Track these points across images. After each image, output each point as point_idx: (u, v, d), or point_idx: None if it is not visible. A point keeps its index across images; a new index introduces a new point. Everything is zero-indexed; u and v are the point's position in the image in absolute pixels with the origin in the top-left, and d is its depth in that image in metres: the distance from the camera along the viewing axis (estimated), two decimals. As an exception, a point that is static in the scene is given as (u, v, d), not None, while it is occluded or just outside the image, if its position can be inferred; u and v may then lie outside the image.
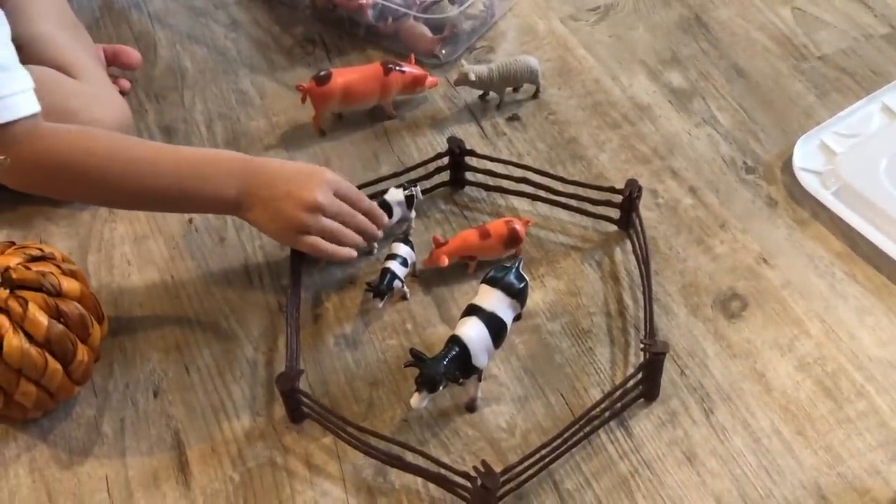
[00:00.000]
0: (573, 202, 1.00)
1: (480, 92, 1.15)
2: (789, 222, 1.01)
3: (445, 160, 1.02)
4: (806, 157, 1.06)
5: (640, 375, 0.82)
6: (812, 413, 0.85)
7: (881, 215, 0.98)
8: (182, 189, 0.88)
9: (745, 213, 1.02)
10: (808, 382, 0.87)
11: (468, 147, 1.02)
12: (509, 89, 1.14)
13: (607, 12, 1.28)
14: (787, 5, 1.28)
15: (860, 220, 0.99)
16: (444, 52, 1.20)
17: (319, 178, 0.89)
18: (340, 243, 0.91)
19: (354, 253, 0.92)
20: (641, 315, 0.91)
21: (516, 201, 1.03)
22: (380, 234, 0.95)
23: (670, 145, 1.10)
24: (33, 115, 0.84)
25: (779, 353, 0.89)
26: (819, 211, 1.01)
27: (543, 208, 1.02)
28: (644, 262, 0.92)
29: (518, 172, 1.01)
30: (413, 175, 1.02)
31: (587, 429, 0.81)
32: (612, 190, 0.97)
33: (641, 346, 0.86)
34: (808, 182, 1.03)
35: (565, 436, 0.79)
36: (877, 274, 0.96)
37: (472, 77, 1.10)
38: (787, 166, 1.06)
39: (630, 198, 0.96)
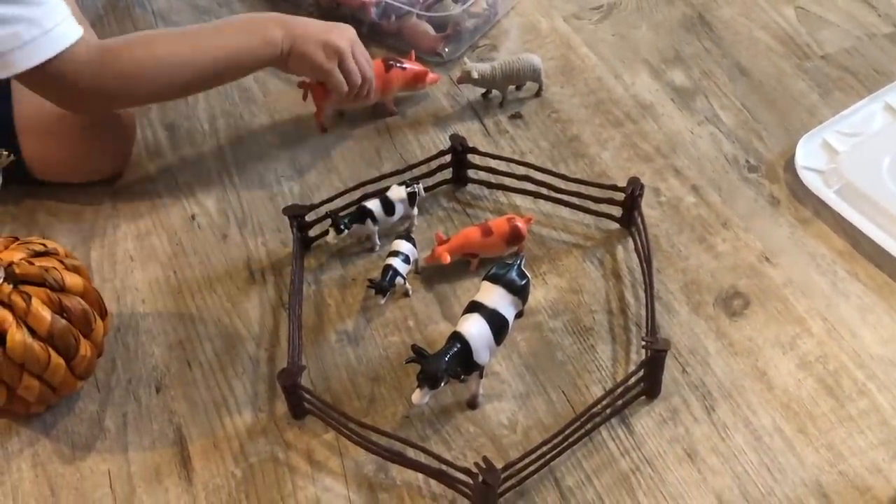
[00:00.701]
0: (575, 200, 1.00)
1: (483, 90, 1.15)
2: (791, 221, 1.01)
3: (448, 158, 1.02)
4: (808, 156, 1.06)
5: (641, 373, 0.82)
6: (813, 411, 0.85)
7: (883, 214, 0.98)
8: (237, 48, 0.97)
9: (748, 211, 1.02)
10: (810, 380, 0.87)
11: (471, 145, 1.02)
12: (512, 87, 1.15)
13: (610, 11, 1.29)
14: (791, 4, 1.28)
15: (862, 218, 0.99)
16: (446, 50, 1.20)
17: (344, 31, 1.03)
18: (353, 81, 1.04)
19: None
20: (643, 313, 0.91)
21: (518, 199, 1.04)
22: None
23: (673, 144, 1.10)
24: (80, 39, 0.86)
25: (780, 352, 0.89)
26: (821, 209, 1.01)
27: (545, 206, 1.03)
28: (646, 259, 0.92)
29: (520, 170, 1.01)
30: (416, 172, 1.02)
31: (588, 426, 0.81)
32: (615, 188, 0.97)
33: (643, 343, 0.86)
34: (811, 181, 1.03)
35: (566, 433, 0.79)
36: (879, 272, 0.96)
37: (475, 75, 1.10)
38: (790, 165, 1.06)
39: (632, 196, 0.96)
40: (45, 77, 0.85)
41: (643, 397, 0.86)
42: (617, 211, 0.99)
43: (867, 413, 0.85)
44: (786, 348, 0.90)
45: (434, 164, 1.03)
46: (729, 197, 1.04)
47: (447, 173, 1.04)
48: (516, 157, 1.04)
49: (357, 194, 0.99)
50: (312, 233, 0.98)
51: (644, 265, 0.93)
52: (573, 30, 1.26)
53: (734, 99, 1.15)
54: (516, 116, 1.14)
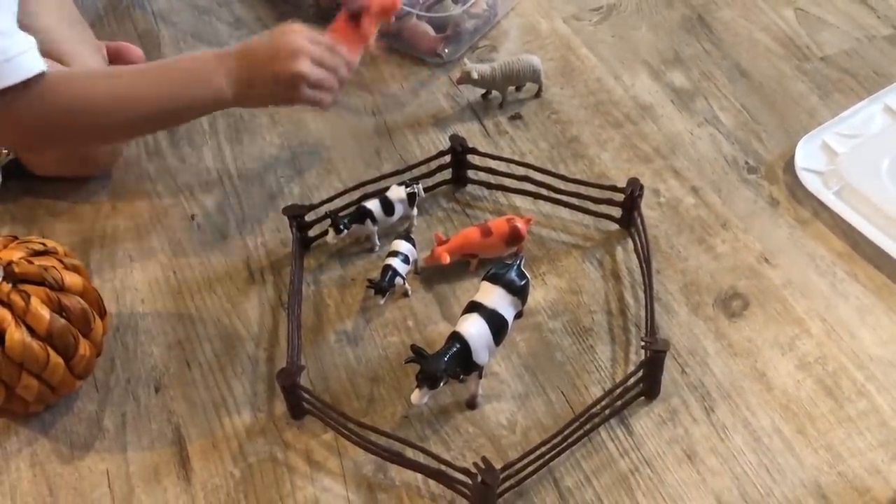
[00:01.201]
0: (575, 200, 1.00)
1: (483, 91, 1.15)
2: (791, 222, 1.01)
3: (447, 158, 1.02)
4: (808, 158, 1.06)
5: (640, 373, 0.82)
6: (812, 412, 0.85)
7: (882, 215, 0.98)
8: (174, 96, 0.89)
9: (747, 212, 1.02)
10: (809, 381, 0.87)
11: (470, 145, 1.02)
12: (512, 88, 1.15)
13: (610, 12, 1.29)
14: (790, 6, 1.29)
15: (861, 220, 0.99)
16: (446, 50, 1.20)
17: (294, 47, 0.92)
18: (329, 87, 0.95)
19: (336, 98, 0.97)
20: (642, 314, 0.91)
21: (518, 199, 1.04)
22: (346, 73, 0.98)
23: (672, 145, 1.10)
24: (41, 74, 0.82)
25: (779, 352, 0.89)
26: (820, 211, 1.01)
27: (545, 206, 1.03)
28: (645, 260, 0.92)
29: (520, 171, 1.01)
30: (415, 173, 1.02)
31: (587, 426, 0.81)
32: (614, 188, 0.97)
33: (642, 343, 0.86)
34: (810, 182, 1.03)
35: (565, 433, 0.79)
36: (878, 273, 0.96)
37: (475, 76, 1.10)
38: (789, 166, 1.06)
39: (632, 196, 0.96)
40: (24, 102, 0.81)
41: (642, 398, 0.86)
42: (616, 212, 0.99)
43: (866, 414, 0.85)
44: (785, 349, 0.90)
45: (434, 165, 1.03)
46: (728, 198, 1.04)
47: (447, 174, 1.04)
48: (516, 158, 1.04)
49: (357, 194, 0.99)
50: (312, 233, 0.98)
51: (643, 266, 0.93)
52: (573, 31, 1.26)
53: (734, 100, 1.15)
54: (516, 117, 1.14)
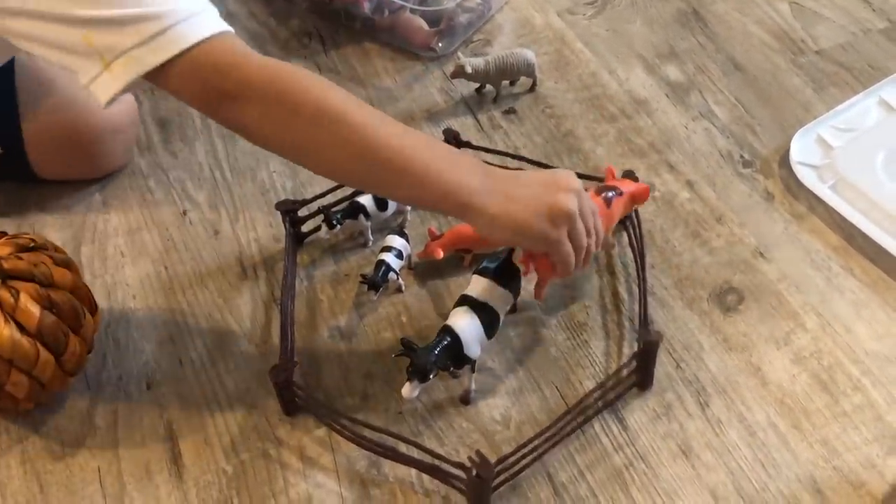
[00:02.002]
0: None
1: (477, 85, 1.14)
2: (786, 216, 1.01)
3: None
4: (803, 151, 1.05)
5: (633, 364, 0.82)
6: (808, 407, 0.85)
7: (878, 209, 0.98)
8: (427, 168, 0.75)
9: (742, 206, 1.02)
10: (804, 376, 0.87)
11: (465, 139, 1.01)
12: (506, 82, 1.14)
13: (604, 6, 1.28)
14: (785, 0, 1.28)
15: (857, 214, 0.98)
16: (440, 45, 1.20)
17: (574, 186, 0.78)
18: (579, 248, 0.79)
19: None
20: (636, 308, 0.91)
21: None
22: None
23: (667, 139, 1.10)
24: (224, 33, 0.73)
25: (775, 347, 0.89)
26: (816, 205, 1.01)
27: None
28: (639, 252, 0.92)
29: (513, 164, 1.00)
30: None
31: (581, 418, 0.81)
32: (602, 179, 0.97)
33: (636, 335, 0.86)
34: (805, 176, 1.02)
35: (559, 425, 0.79)
36: (873, 268, 0.95)
37: (469, 70, 1.09)
38: (785, 160, 1.05)
39: None
40: (202, 62, 0.72)
41: (636, 391, 0.85)
42: None
43: (861, 408, 0.84)
44: (780, 344, 0.89)
45: None
46: (723, 192, 1.03)
47: None
48: (510, 152, 1.04)
49: (350, 190, 0.98)
50: (305, 228, 0.98)
51: (637, 259, 0.92)
52: (567, 25, 1.25)
53: (728, 94, 1.15)
54: (510, 111, 1.13)
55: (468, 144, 1.01)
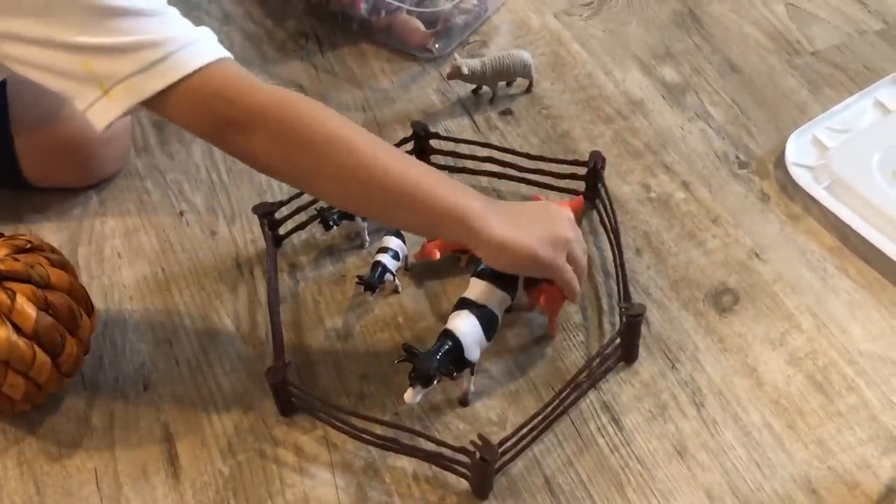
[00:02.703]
0: (539, 178, 1.01)
1: (473, 86, 1.15)
2: (781, 217, 1.01)
3: (411, 145, 1.02)
4: (798, 152, 1.06)
5: (618, 341, 0.85)
6: (803, 407, 0.85)
7: (873, 210, 0.98)
8: (431, 192, 0.76)
9: (738, 207, 1.02)
10: (800, 376, 0.87)
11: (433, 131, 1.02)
12: (502, 83, 1.14)
13: (601, 7, 1.28)
14: (781, 1, 1.28)
15: (852, 214, 0.99)
16: (437, 46, 1.20)
17: (569, 217, 0.83)
18: (580, 273, 0.83)
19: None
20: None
21: (485, 180, 1.04)
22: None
23: (663, 140, 1.10)
24: (223, 59, 0.75)
25: (770, 348, 0.89)
26: (811, 206, 1.01)
27: (511, 185, 1.03)
28: (613, 230, 0.93)
29: (483, 152, 1.02)
30: None
31: (576, 393, 0.83)
32: (577, 163, 0.98)
33: (619, 309, 0.88)
34: (801, 177, 1.03)
35: (554, 404, 0.80)
36: (868, 269, 0.96)
37: (465, 71, 1.10)
38: (780, 161, 1.05)
39: (594, 169, 0.97)
40: (203, 89, 0.73)
41: (634, 390, 0.86)
42: (580, 186, 1.00)
43: (856, 409, 0.85)
44: (775, 344, 0.90)
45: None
46: (719, 193, 1.04)
47: None
48: (479, 140, 1.04)
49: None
50: (284, 229, 0.98)
51: (611, 236, 0.94)
52: (563, 26, 1.25)
53: (724, 95, 1.15)
54: (506, 112, 1.13)
55: (436, 135, 1.02)
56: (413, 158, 0.82)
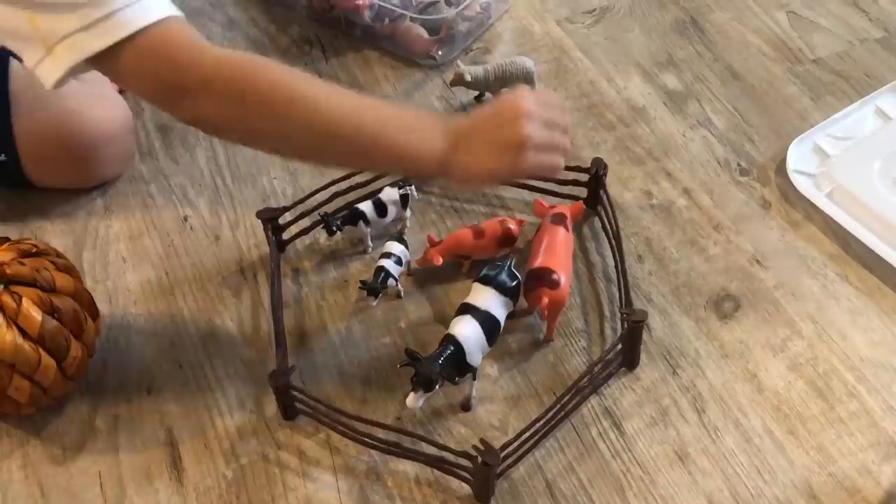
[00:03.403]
0: (541, 184, 1.01)
1: (476, 92, 1.15)
2: (783, 224, 1.02)
3: None
4: (800, 160, 1.06)
5: (619, 347, 0.85)
6: (804, 413, 0.85)
7: (874, 217, 0.99)
8: (396, 142, 0.77)
9: (739, 214, 1.03)
10: (800, 383, 0.87)
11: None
12: (505, 90, 1.15)
13: (603, 15, 1.29)
14: (783, 9, 1.29)
15: (853, 221, 0.99)
16: (440, 53, 1.21)
17: (519, 111, 0.79)
18: (559, 147, 0.82)
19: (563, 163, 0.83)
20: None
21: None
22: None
23: (665, 147, 1.10)
24: (171, 18, 0.73)
25: (771, 354, 0.90)
26: (812, 213, 1.02)
27: (512, 191, 1.03)
28: (615, 236, 0.94)
29: None
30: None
31: (577, 399, 0.83)
32: (579, 169, 0.98)
33: (621, 314, 0.88)
34: (802, 184, 1.03)
35: (556, 409, 0.80)
36: (869, 276, 0.96)
37: (468, 78, 1.10)
38: (781, 168, 1.06)
39: (596, 175, 0.97)
40: (146, 50, 0.71)
41: (635, 394, 0.86)
42: (583, 192, 1.00)
43: (857, 415, 0.85)
44: (776, 350, 0.90)
45: None
46: (720, 200, 1.04)
47: None
48: None
49: (327, 194, 0.99)
50: (288, 234, 0.98)
51: (612, 241, 0.94)
52: (566, 33, 1.26)
53: (726, 103, 1.16)
54: (509, 119, 1.14)
55: None
56: (375, 103, 0.82)
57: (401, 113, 0.82)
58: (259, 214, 0.96)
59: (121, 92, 1.14)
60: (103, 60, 0.72)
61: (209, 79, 0.73)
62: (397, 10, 1.20)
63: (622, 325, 0.87)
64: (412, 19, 1.20)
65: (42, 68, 0.72)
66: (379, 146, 0.77)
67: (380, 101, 0.87)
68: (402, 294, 0.95)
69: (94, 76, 1.07)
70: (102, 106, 1.03)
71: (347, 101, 0.78)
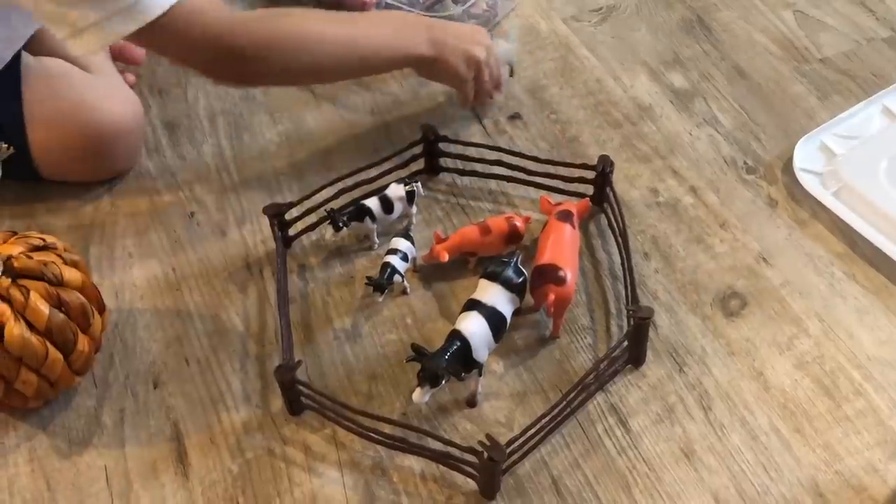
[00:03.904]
0: (547, 181, 1.02)
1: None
2: (789, 222, 1.01)
3: (420, 148, 1.03)
4: (806, 158, 1.06)
5: (625, 344, 0.85)
6: (810, 411, 0.85)
7: (881, 216, 0.98)
8: (385, 44, 0.99)
9: (746, 212, 1.02)
10: (807, 381, 0.87)
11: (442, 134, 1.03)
12: None
13: (610, 13, 1.29)
14: (789, 8, 1.29)
15: (860, 220, 0.99)
16: (446, 50, 1.21)
17: (481, 38, 1.06)
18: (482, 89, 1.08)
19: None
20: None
21: (494, 183, 1.05)
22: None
23: (671, 145, 1.10)
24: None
25: (777, 352, 0.90)
26: (819, 211, 1.02)
27: (520, 189, 1.04)
28: (621, 233, 0.94)
29: (493, 155, 1.03)
30: (388, 165, 1.02)
31: (583, 396, 0.83)
32: (585, 166, 0.98)
33: (627, 311, 0.88)
34: (809, 182, 1.03)
35: (561, 405, 0.80)
36: (876, 274, 0.96)
37: None
38: (788, 167, 1.06)
39: (603, 173, 0.97)
40: (176, 29, 0.83)
41: (640, 392, 0.86)
42: (589, 190, 1.00)
43: (864, 413, 0.85)
44: (783, 348, 0.90)
45: (407, 155, 1.03)
46: (727, 198, 1.04)
47: (421, 164, 1.05)
48: (488, 143, 1.06)
49: (333, 190, 0.99)
50: (294, 230, 0.98)
51: (619, 239, 0.94)
52: (572, 31, 1.26)
53: (732, 101, 1.16)
54: (515, 117, 1.14)
55: (445, 138, 1.03)
56: (369, 18, 1.05)
57: (393, 18, 1.06)
58: (265, 210, 0.96)
59: (132, 86, 1.14)
60: (135, 40, 0.81)
61: (246, 44, 0.87)
62: (404, 7, 1.20)
63: (628, 322, 0.87)
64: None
65: (72, 45, 0.81)
66: (385, 51, 0.99)
67: (363, 13, 1.11)
68: (409, 290, 0.95)
69: (108, 70, 1.09)
70: (114, 100, 1.03)
71: (356, 24, 0.98)
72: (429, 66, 1.01)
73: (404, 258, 0.93)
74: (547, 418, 0.79)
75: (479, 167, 1.04)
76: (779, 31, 1.25)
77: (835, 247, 0.99)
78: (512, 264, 0.85)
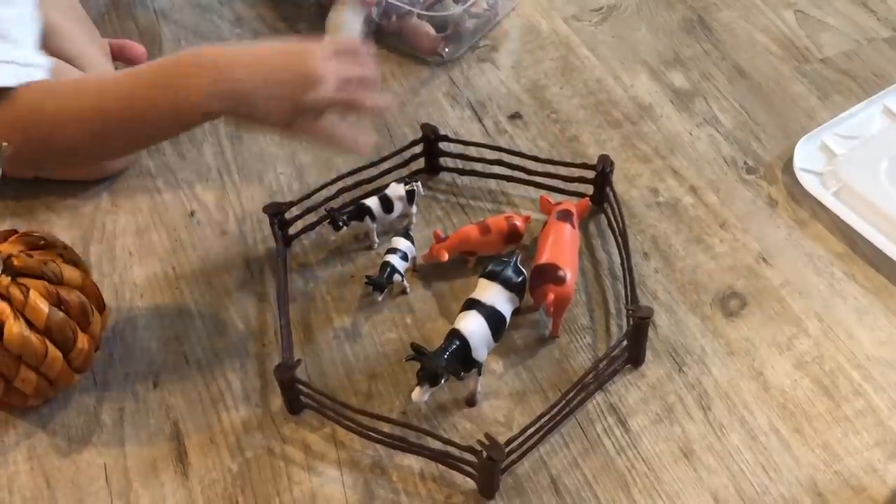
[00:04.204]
0: (548, 181, 1.01)
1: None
2: (789, 222, 1.01)
3: (420, 147, 1.03)
4: (807, 158, 1.06)
5: (624, 343, 0.85)
6: (809, 411, 0.85)
7: (881, 216, 0.98)
8: (143, 109, 0.76)
9: (746, 212, 1.02)
10: (806, 381, 0.87)
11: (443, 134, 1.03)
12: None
13: (610, 13, 1.29)
14: (790, 8, 1.29)
15: (860, 220, 0.99)
16: (447, 50, 1.21)
17: (312, 50, 0.76)
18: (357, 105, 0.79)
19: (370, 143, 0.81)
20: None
21: (494, 183, 1.04)
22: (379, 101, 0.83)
23: (671, 145, 1.10)
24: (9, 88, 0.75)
25: (777, 352, 0.90)
26: (819, 211, 1.02)
27: (520, 188, 1.03)
28: (621, 233, 0.94)
29: (492, 155, 1.03)
30: (388, 164, 1.02)
31: (582, 395, 0.83)
32: (585, 166, 0.98)
33: (626, 311, 0.88)
34: (809, 182, 1.03)
35: (561, 405, 0.80)
36: (876, 274, 0.96)
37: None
38: (788, 167, 1.06)
39: (603, 172, 0.97)
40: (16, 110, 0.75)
41: (639, 390, 0.86)
42: (589, 189, 1.00)
43: (863, 414, 0.85)
44: (782, 348, 0.90)
45: (407, 155, 1.03)
46: (727, 198, 1.04)
47: (421, 164, 1.05)
48: (488, 143, 1.05)
49: (333, 189, 0.99)
50: (294, 229, 0.99)
51: (619, 238, 0.94)
52: (573, 31, 1.26)
53: (733, 101, 1.16)
54: (515, 116, 1.14)
55: (445, 137, 1.03)
56: (135, 77, 0.79)
57: (152, 70, 0.79)
58: (265, 209, 0.96)
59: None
60: None
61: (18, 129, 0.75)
62: (404, 6, 1.20)
63: (628, 321, 0.87)
64: (419, 16, 1.21)
65: None
66: (145, 119, 0.76)
67: (133, 69, 0.82)
68: (408, 290, 0.95)
69: (105, 70, 1.09)
70: None
71: (116, 90, 0.77)
72: (233, 121, 0.80)
73: (404, 257, 0.93)
74: (546, 418, 0.79)
75: (479, 167, 1.04)
76: (779, 31, 1.25)
77: (835, 247, 0.99)
78: (511, 264, 0.85)
